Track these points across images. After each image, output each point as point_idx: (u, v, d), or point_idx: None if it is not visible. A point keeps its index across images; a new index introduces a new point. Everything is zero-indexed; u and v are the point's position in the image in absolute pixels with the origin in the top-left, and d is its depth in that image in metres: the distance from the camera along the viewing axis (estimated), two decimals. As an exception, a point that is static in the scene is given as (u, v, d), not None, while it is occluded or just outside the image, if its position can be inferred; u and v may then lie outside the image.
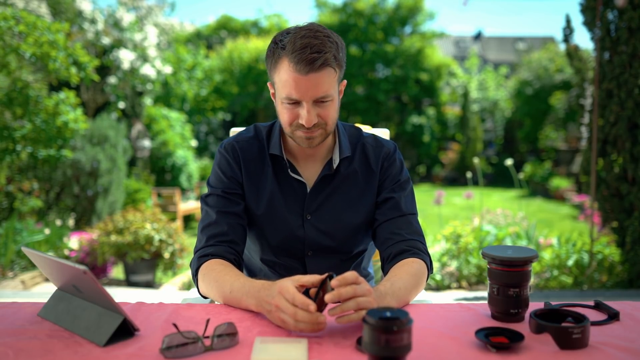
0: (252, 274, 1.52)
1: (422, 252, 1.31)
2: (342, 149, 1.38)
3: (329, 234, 1.37)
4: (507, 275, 1.05)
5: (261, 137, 1.41)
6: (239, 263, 1.31)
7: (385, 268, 1.32)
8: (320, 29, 1.22)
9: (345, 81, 1.35)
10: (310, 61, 1.17)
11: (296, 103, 1.24)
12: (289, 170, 1.37)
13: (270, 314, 1.02)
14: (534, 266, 4.50)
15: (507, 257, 1.04)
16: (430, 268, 1.32)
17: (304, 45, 1.18)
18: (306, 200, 1.37)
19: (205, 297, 1.30)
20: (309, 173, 1.39)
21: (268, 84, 1.33)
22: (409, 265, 1.25)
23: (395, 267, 1.25)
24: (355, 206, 1.38)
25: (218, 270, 1.21)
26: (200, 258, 1.28)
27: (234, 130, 1.70)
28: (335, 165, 1.37)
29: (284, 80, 1.22)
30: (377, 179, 1.40)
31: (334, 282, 0.97)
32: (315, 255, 1.39)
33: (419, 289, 1.24)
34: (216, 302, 1.25)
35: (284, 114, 1.27)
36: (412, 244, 1.31)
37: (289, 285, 0.99)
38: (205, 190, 1.42)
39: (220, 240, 1.30)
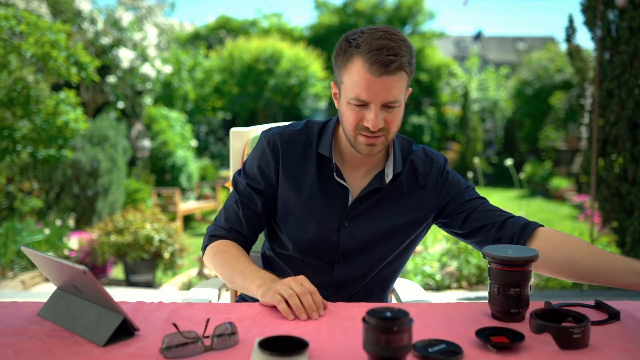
0: (272, 269, 1.42)
1: (534, 222, 1.31)
2: (395, 164, 1.35)
3: (363, 244, 1.35)
4: (507, 274, 1.04)
5: (311, 133, 1.38)
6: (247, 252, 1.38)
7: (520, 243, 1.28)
8: (396, 32, 1.19)
9: (410, 89, 1.31)
10: (385, 63, 1.15)
11: (363, 105, 1.20)
12: (334, 173, 1.34)
13: (271, 291, 1.10)
14: (534, 266, 4.49)
15: (508, 256, 1.04)
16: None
17: (381, 47, 1.15)
18: (348, 207, 1.34)
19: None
20: (354, 180, 1.36)
21: (332, 83, 1.30)
22: (561, 237, 1.25)
23: (561, 242, 1.24)
24: (393, 220, 1.35)
25: (231, 253, 1.31)
26: (212, 237, 1.38)
27: (234, 131, 1.69)
28: (388, 180, 1.34)
29: (354, 81, 1.19)
30: (426, 195, 1.38)
31: None
32: (345, 262, 1.36)
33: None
34: (218, 277, 1.36)
35: (348, 116, 1.23)
36: (518, 219, 1.32)
37: (303, 277, 1.12)
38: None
39: (234, 229, 1.37)
